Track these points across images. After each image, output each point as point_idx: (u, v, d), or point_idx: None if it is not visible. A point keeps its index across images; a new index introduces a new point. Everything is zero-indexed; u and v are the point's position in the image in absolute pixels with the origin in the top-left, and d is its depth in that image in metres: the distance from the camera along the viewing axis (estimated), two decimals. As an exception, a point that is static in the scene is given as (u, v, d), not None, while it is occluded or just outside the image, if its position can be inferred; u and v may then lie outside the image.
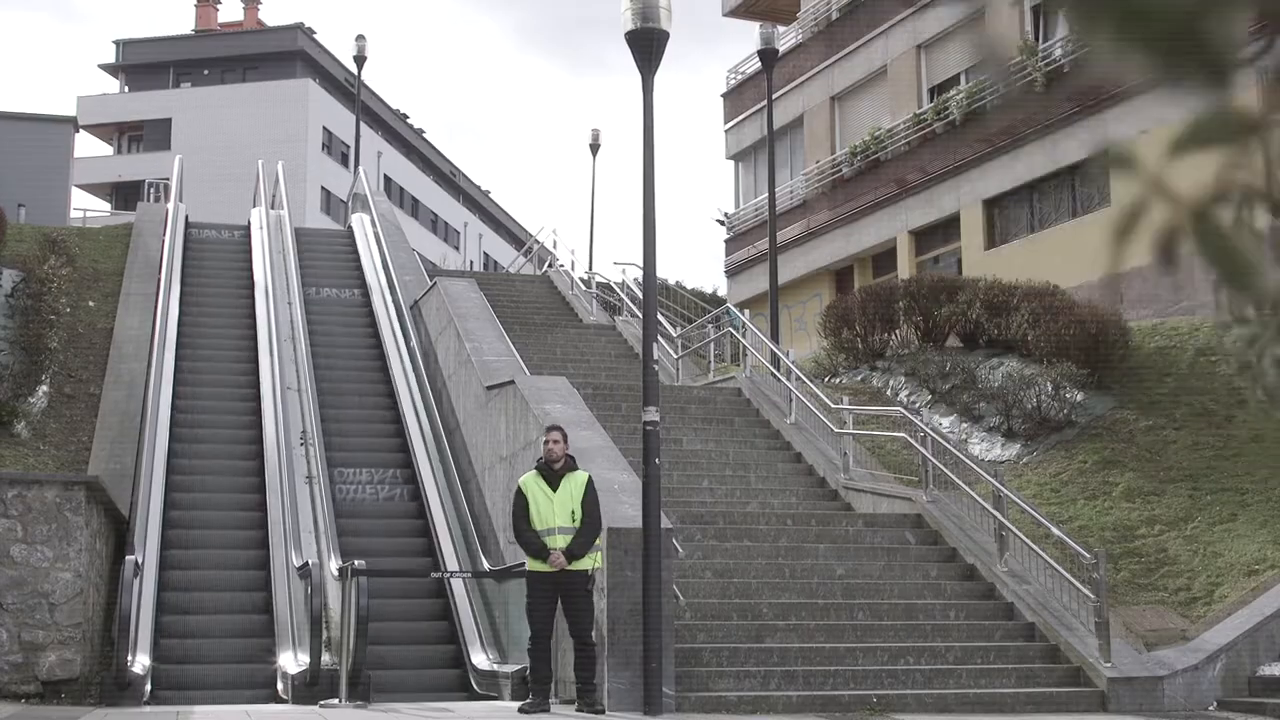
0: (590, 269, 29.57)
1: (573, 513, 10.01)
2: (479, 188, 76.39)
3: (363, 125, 36.58)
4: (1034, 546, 12.05)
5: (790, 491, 15.11)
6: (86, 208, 51.30)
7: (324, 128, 57.46)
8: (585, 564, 9.98)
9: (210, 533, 14.45)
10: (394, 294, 20.82)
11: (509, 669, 11.57)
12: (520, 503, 10.14)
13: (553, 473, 10.17)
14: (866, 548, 13.26)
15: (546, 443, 10.30)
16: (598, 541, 10.14)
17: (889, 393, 18.34)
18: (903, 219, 27.54)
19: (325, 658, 11.31)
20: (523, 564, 11.13)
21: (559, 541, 9.92)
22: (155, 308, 19.06)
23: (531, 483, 10.20)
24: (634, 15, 11.16)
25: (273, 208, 25.79)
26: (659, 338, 15.56)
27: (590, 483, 10.19)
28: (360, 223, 25.45)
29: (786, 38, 30.65)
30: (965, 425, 16.83)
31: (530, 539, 10.00)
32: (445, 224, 67.82)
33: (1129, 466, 14.77)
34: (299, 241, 23.78)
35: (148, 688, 11.25)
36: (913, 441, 14.40)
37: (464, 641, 12.79)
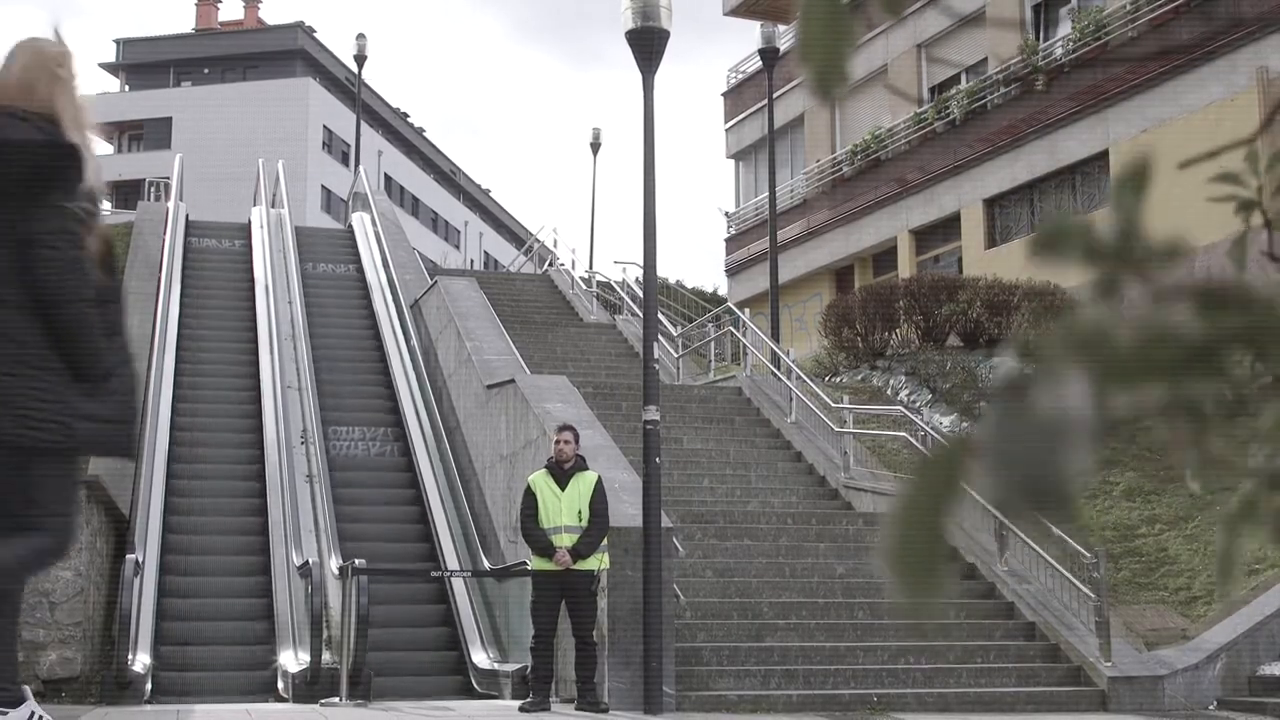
0: (591, 268, 29.58)
1: (580, 512, 10.00)
2: (479, 186, 76.40)
3: (363, 124, 36.58)
4: (1034, 546, 12.05)
5: (791, 490, 15.11)
6: (87, 206, 51.27)
7: (324, 126, 57.45)
8: (591, 564, 9.97)
9: (211, 531, 14.44)
10: (394, 293, 20.83)
11: (509, 668, 11.57)
12: (529, 501, 10.14)
13: (562, 472, 10.16)
14: (867, 547, 13.26)
15: (557, 442, 10.29)
16: (604, 541, 10.13)
17: (889, 392, 18.34)
18: (903, 218, 27.54)
19: (326, 656, 11.32)
20: (523, 563, 11.14)
21: (565, 540, 9.91)
22: (155, 307, 19.05)
23: (540, 481, 10.20)
24: (634, 14, 11.14)
25: (273, 206, 25.78)
26: (659, 337, 15.56)
27: (600, 483, 10.18)
28: (361, 221, 25.45)
29: (787, 36, 30.64)
30: (966, 424, 16.83)
31: (537, 537, 10.00)
32: (446, 223, 67.81)
33: (1129, 465, 14.77)
34: (299, 240, 23.80)
35: (148, 686, 11.25)
36: (913, 441, 14.40)
37: (464, 640, 12.79)
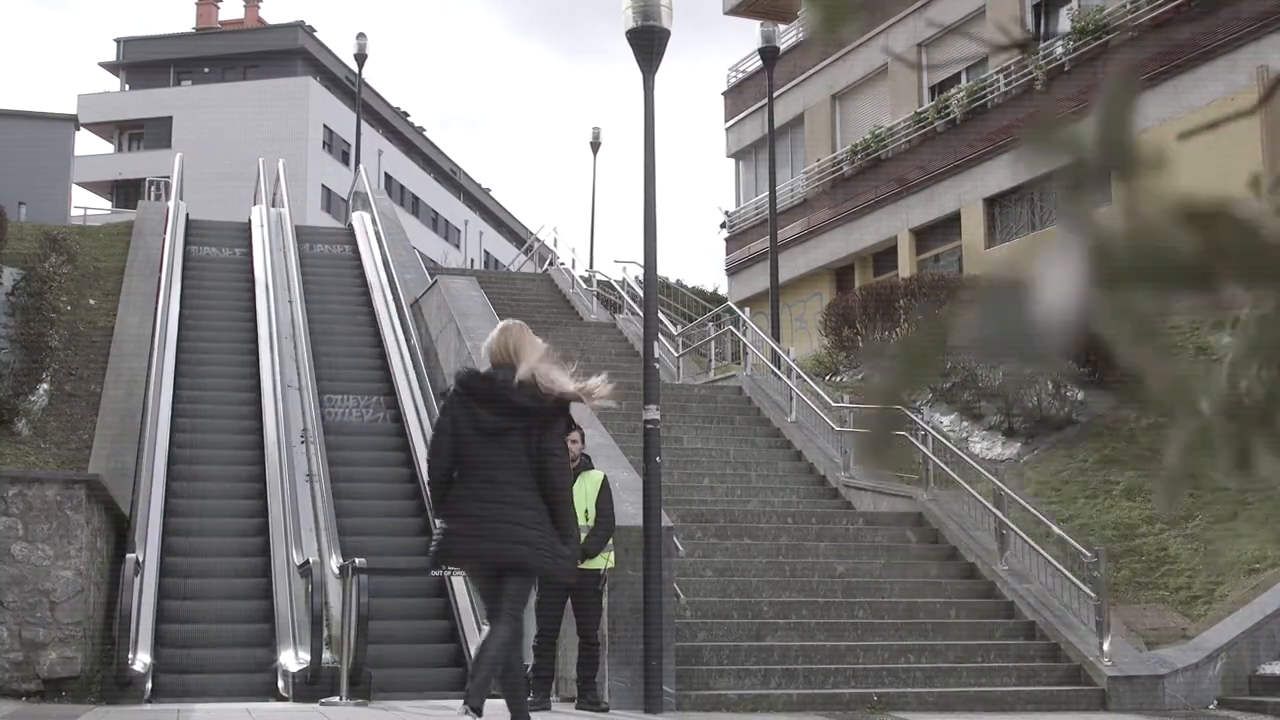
0: (591, 267, 29.59)
1: (586, 511, 9.99)
2: (480, 185, 76.38)
3: (363, 123, 36.57)
4: (1034, 545, 12.04)
5: (791, 490, 15.11)
6: (87, 206, 51.30)
7: (325, 126, 57.44)
8: (598, 563, 9.96)
9: (211, 531, 14.44)
10: (395, 292, 20.83)
11: (509, 667, 11.55)
12: None
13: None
14: (867, 546, 13.26)
15: None
16: (610, 541, 10.12)
17: (889, 391, 18.33)
18: (903, 217, 27.53)
19: (326, 655, 11.31)
20: (523, 562, 11.13)
21: (571, 539, 9.89)
22: (156, 306, 19.05)
23: (547, 481, 10.17)
24: (635, 13, 11.13)
25: (273, 205, 25.78)
26: (659, 336, 15.55)
27: (606, 482, 10.17)
28: (361, 220, 25.44)
29: (787, 36, 30.62)
30: (966, 424, 16.83)
31: (542, 536, 9.99)
32: (446, 222, 67.80)
33: (1130, 465, 14.76)
34: (300, 239, 23.81)
35: (149, 685, 11.25)
36: (913, 440, 14.39)
37: (464, 640, 12.79)
